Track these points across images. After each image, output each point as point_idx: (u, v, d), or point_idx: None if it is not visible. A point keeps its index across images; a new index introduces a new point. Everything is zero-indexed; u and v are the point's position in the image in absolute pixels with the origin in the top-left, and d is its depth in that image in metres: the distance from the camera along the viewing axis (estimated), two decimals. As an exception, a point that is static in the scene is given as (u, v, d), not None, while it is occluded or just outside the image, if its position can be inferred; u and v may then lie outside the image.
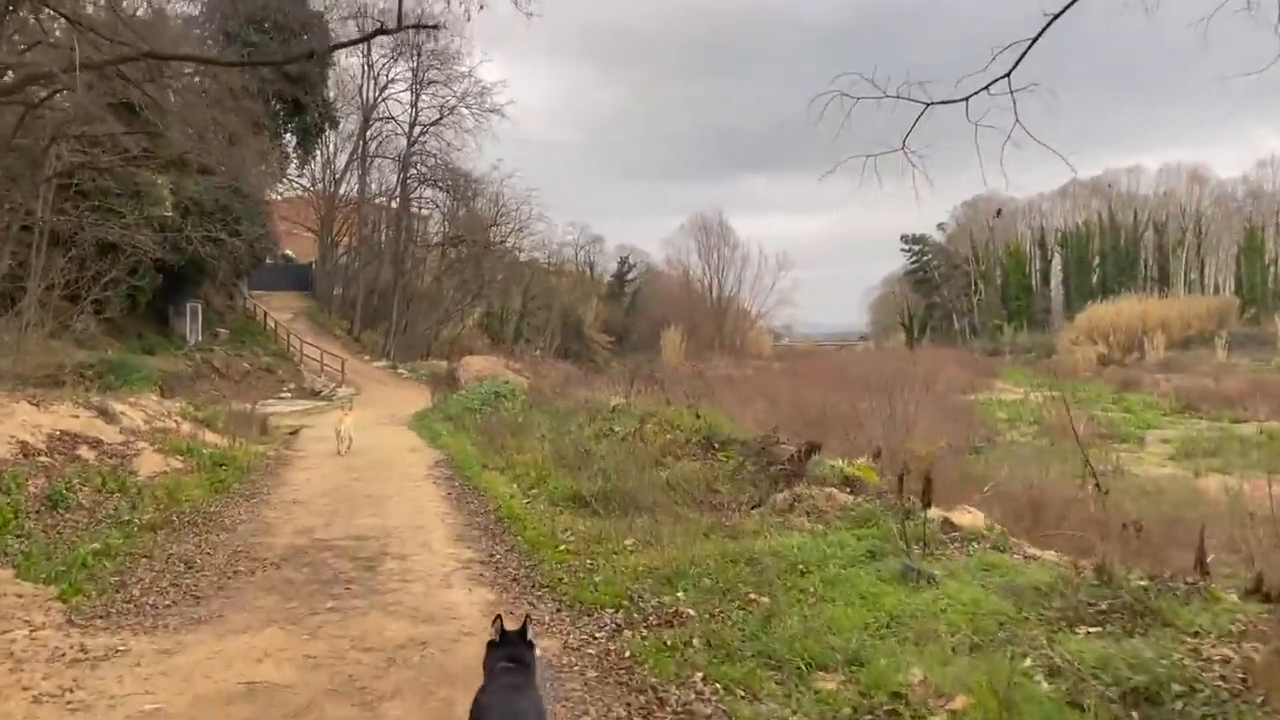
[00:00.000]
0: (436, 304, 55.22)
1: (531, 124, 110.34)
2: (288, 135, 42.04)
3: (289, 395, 36.41)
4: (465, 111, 48.85)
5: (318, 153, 46.66)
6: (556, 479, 14.04)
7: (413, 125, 48.52)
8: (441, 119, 48.32)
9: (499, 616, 4.60)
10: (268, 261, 53.01)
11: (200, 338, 39.12)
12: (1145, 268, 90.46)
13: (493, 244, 53.78)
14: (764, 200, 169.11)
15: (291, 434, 24.07)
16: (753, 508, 11.65)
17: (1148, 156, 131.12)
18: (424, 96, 48.20)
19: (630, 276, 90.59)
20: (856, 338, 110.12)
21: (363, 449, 20.62)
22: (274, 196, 43.79)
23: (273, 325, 44.28)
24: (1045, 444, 34.95)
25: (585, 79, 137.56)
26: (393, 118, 48.89)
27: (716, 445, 16.06)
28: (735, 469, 13.70)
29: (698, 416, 17.16)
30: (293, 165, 43.95)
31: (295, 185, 46.00)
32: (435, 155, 49.03)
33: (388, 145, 50.32)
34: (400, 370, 43.39)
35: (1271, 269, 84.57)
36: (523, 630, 4.52)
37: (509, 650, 4.38)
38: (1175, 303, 78.46)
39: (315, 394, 36.64)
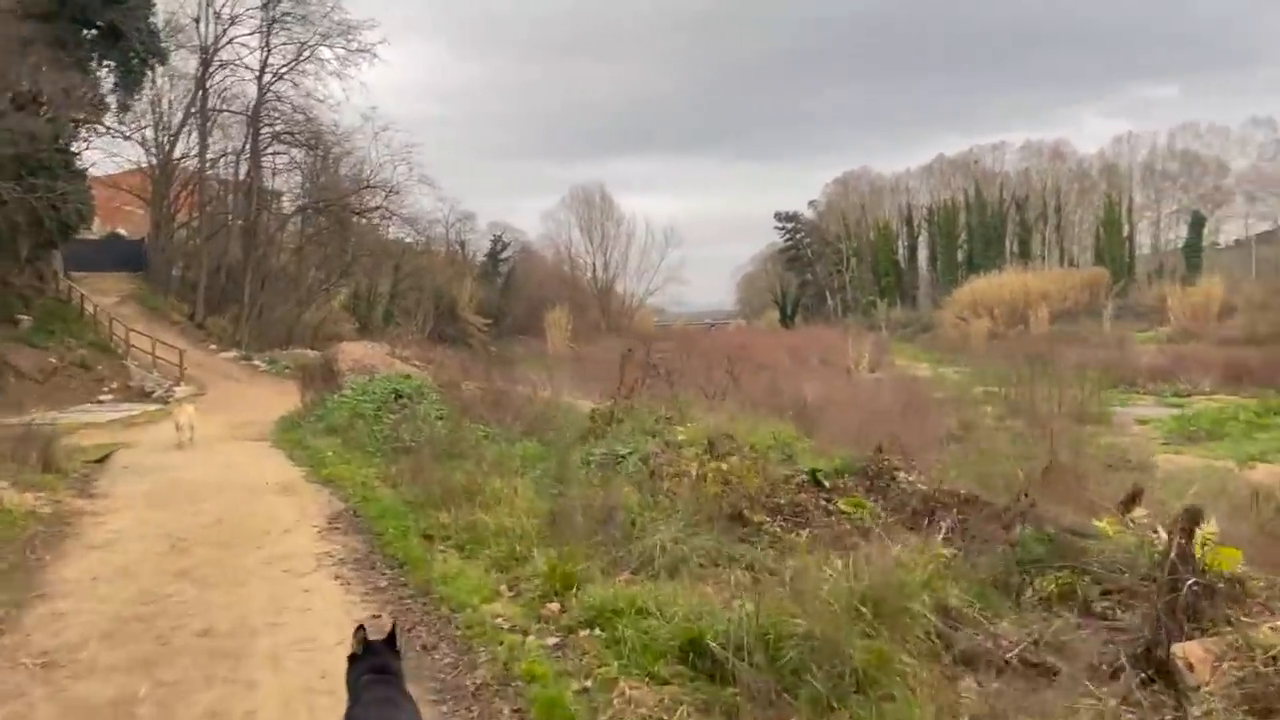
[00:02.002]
0: (297, 284, 46.15)
1: (388, 99, 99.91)
2: (103, 71, 32.63)
3: (111, 397, 27.51)
4: (328, 53, 40.00)
5: (143, 96, 36.96)
6: (602, 584, 6.92)
7: (263, 71, 39.38)
8: (299, 60, 39.30)
9: (361, 626, 3.98)
10: (90, 236, 42.94)
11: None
12: (1009, 243, 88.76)
13: (364, 210, 44.94)
14: (628, 181, 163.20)
15: (98, 461, 15.86)
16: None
17: (1014, 134, 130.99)
18: (277, 36, 39.16)
19: (504, 255, 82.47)
20: (724, 317, 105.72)
21: (203, 488, 12.89)
22: (86, 148, 33.92)
23: (92, 311, 34.70)
24: (1016, 427, 30.08)
25: (442, 54, 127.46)
26: (240, 61, 39.54)
27: (825, 483, 9.28)
28: (945, 556, 6.83)
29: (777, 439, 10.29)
30: (111, 112, 34.31)
31: (115, 134, 36.16)
32: (293, 104, 39.97)
33: (234, 98, 40.95)
34: (256, 362, 34.67)
35: (1130, 243, 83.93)
36: (390, 638, 3.91)
37: (374, 661, 3.79)
38: (1052, 275, 76.32)
39: (146, 395, 27.84)
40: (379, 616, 6.80)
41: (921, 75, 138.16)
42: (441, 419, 16.47)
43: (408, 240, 59.79)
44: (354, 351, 28.15)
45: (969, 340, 64.19)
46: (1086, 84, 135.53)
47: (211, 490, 12.69)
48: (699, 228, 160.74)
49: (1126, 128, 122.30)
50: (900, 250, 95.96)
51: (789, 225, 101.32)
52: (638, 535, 8.07)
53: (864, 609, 5.59)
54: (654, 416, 12.44)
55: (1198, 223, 78.21)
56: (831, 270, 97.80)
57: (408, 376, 21.00)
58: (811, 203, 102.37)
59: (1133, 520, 7.58)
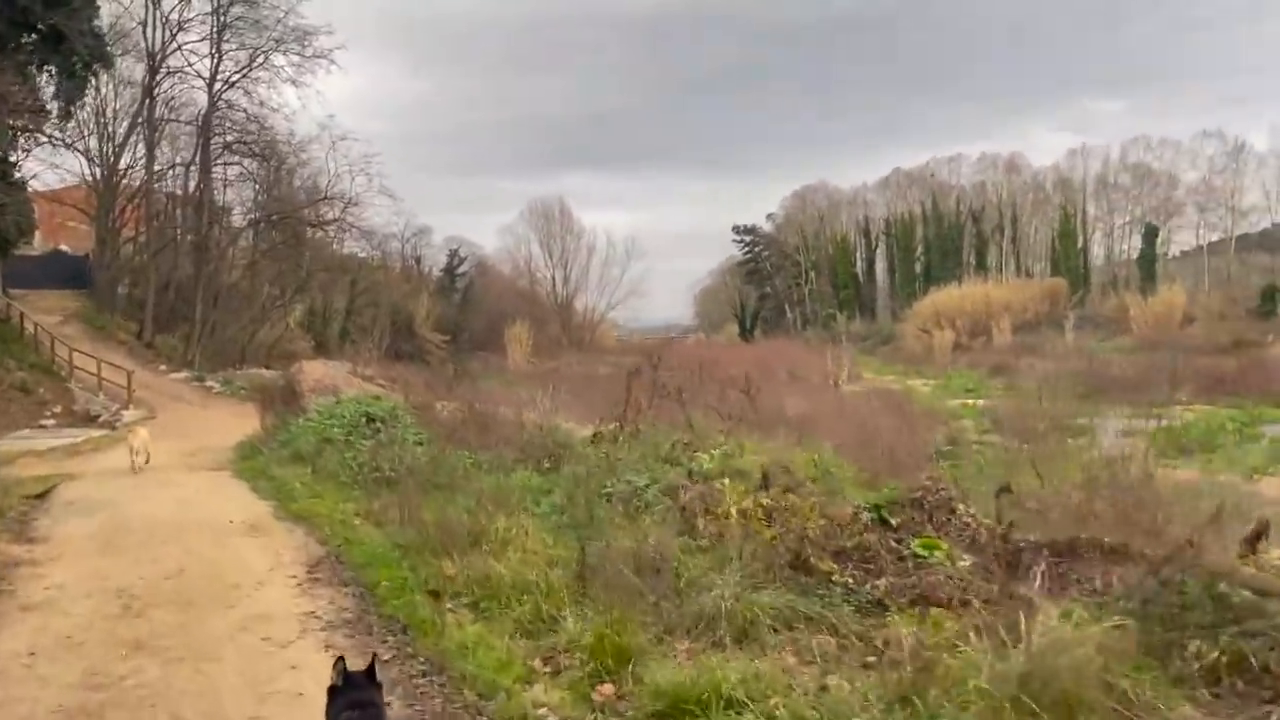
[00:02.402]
0: (250, 301, 44.06)
1: (338, 116, 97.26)
2: (43, 76, 30.50)
3: (53, 422, 25.52)
4: (282, 60, 38.10)
5: (86, 105, 34.75)
6: (661, 658, 5.65)
7: (214, 78, 37.41)
8: (251, 67, 37.35)
9: (340, 658, 3.93)
10: (31, 252, 40.63)
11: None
12: (966, 255, 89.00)
13: (321, 223, 43.00)
14: (581, 195, 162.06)
15: (38, 497, 14.18)
16: None
17: (969, 146, 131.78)
18: (229, 43, 37.24)
19: (461, 271, 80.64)
20: (682, 331, 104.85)
21: (159, 527, 11.37)
22: (25, 158, 31.65)
23: (33, 330, 32.52)
24: (1005, 442, 29.22)
25: (391, 71, 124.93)
26: (190, 68, 37.44)
27: (892, 520, 8.11)
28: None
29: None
30: (52, 120, 32.10)
31: (57, 143, 33.90)
32: (245, 112, 37.94)
33: (183, 106, 38.89)
34: (209, 383, 32.69)
35: (1085, 255, 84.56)
36: (370, 670, 3.81)
37: (355, 695, 3.67)
38: (1013, 287, 76.46)
39: (91, 419, 25.88)
40: (389, 704, 5.45)
41: (871, 89, 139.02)
42: (421, 444, 15.06)
43: (363, 255, 58.02)
44: (314, 371, 26.47)
45: (932, 352, 63.84)
46: (1034, 98, 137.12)
47: (169, 531, 11.15)
48: (654, 241, 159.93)
49: (1075, 141, 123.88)
50: (859, 263, 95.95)
51: (747, 238, 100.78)
52: (685, 588, 6.83)
53: (1025, 699, 4.40)
54: (669, 441, 11.17)
55: (1151, 234, 78.91)
56: (791, 283, 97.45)
57: (378, 398, 19.49)
58: (769, 216, 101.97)
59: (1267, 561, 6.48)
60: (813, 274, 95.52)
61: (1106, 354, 56.01)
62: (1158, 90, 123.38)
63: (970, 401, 40.76)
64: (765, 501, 8.40)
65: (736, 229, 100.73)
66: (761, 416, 19.06)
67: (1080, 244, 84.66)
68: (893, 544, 7.54)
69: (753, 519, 8.35)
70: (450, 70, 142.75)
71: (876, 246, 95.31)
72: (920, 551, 7.43)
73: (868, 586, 6.86)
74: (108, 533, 11.31)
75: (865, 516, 7.75)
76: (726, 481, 8.81)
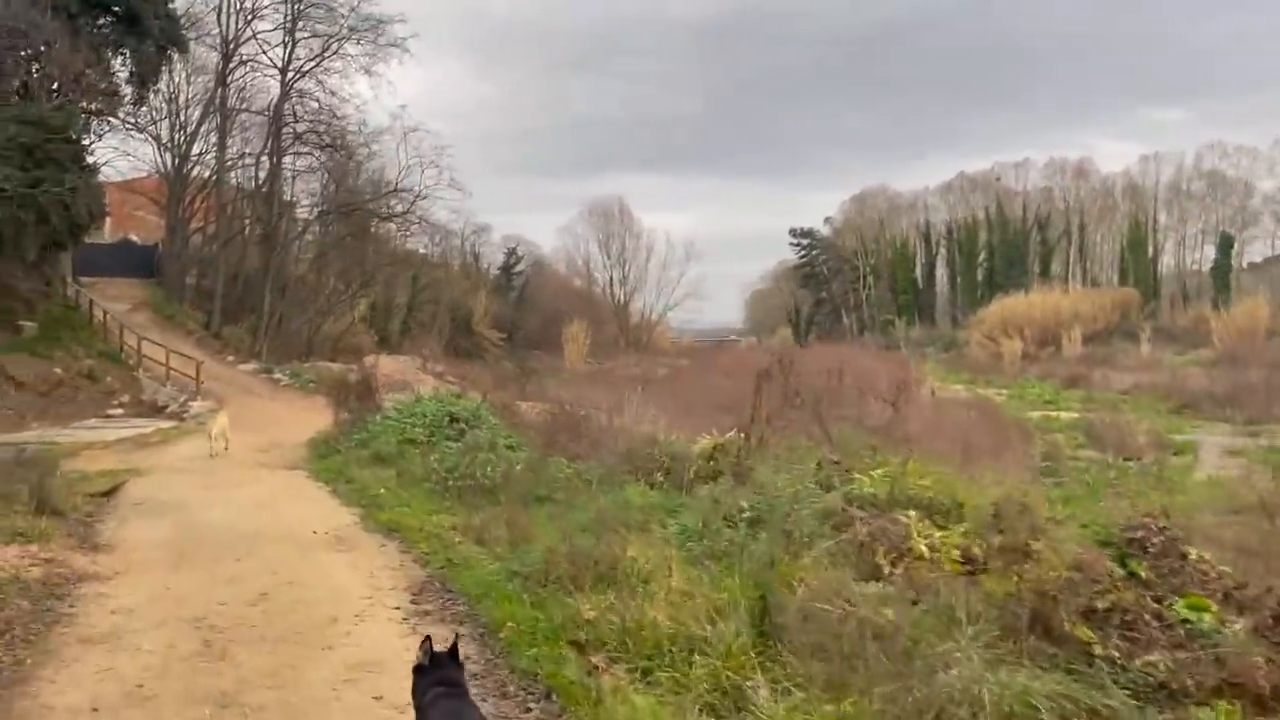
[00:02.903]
0: (316, 294, 43.29)
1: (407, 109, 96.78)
2: (118, 60, 29.84)
3: (120, 412, 24.64)
4: (355, 49, 37.14)
5: (159, 91, 34.09)
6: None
7: (286, 67, 36.61)
8: (324, 56, 36.47)
9: (427, 638, 3.86)
10: (101, 240, 40.15)
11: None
12: (1030, 262, 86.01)
13: (391, 216, 42.01)
14: (636, 198, 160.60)
15: (105, 494, 13.05)
16: None
17: (1029, 153, 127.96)
18: (302, 30, 36.41)
19: (518, 269, 79.64)
20: (734, 335, 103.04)
21: (235, 537, 10.12)
22: (98, 142, 30.87)
23: (102, 318, 31.83)
24: (1104, 458, 27.21)
25: (454, 72, 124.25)
26: (264, 55, 36.62)
27: (1140, 570, 6.50)
28: None
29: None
30: (126, 106, 31.44)
31: (130, 127, 33.23)
32: (318, 101, 37.09)
33: (254, 96, 38.14)
34: (277, 375, 31.72)
35: (1155, 264, 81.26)
36: (453, 651, 3.83)
37: (441, 674, 3.72)
38: (1083, 296, 73.47)
39: (159, 410, 24.98)
40: None
41: (928, 94, 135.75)
42: (513, 449, 13.69)
43: (424, 252, 57.25)
44: (385, 366, 25.43)
45: (1000, 361, 61.34)
46: (1095, 107, 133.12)
47: (247, 541, 9.87)
48: (704, 245, 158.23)
49: (1138, 150, 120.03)
50: (918, 268, 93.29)
51: (804, 242, 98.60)
52: (904, 655, 5.31)
53: None
54: (812, 459, 9.64)
55: (1226, 244, 75.46)
56: (848, 288, 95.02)
57: (459, 396, 18.24)
58: (827, 219, 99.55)
59: None
60: (871, 278, 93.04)
61: (1185, 367, 53.27)
62: (1223, 98, 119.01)
63: (1053, 413, 38.50)
64: (967, 542, 6.84)
65: (793, 232, 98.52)
66: (867, 428, 17.49)
67: (1150, 253, 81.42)
68: (1152, 603, 5.93)
69: (947, 561, 6.84)
70: (510, 72, 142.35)
71: (937, 252, 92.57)
72: (1187, 614, 5.83)
73: (1139, 663, 5.28)
74: (179, 541, 10.07)
75: (1107, 565, 6.15)
76: (913, 514, 7.26)
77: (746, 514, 8.47)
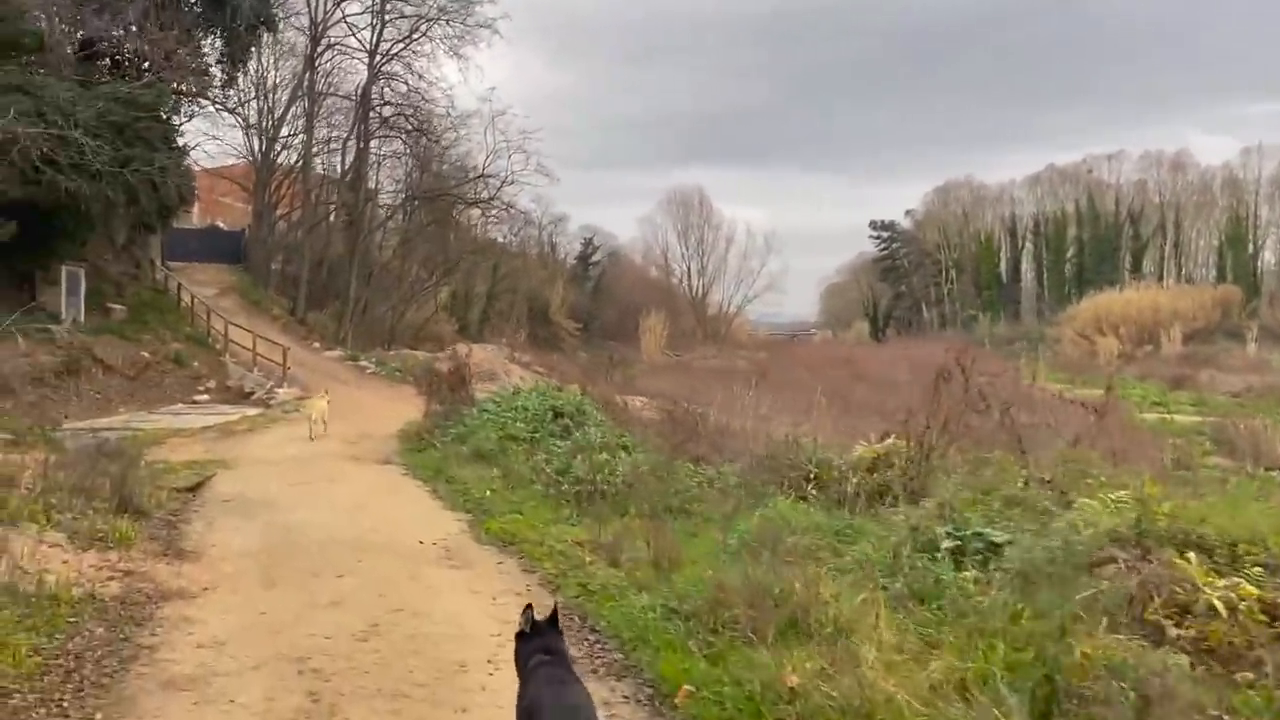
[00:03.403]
0: (400, 282, 42.53)
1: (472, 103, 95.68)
2: (209, 40, 29.17)
3: (206, 398, 23.89)
4: (443, 31, 36.05)
5: (248, 72, 33.48)
6: None
7: (374, 49, 35.72)
8: (413, 38, 35.47)
9: (529, 606, 3.98)
10: (189, 225, 39.89)
11: (83, 316, 26.25)
12: (1121, 258, 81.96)
13: (477, 202, 40.95)
14: (712, 190, 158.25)
15: (190, 490, 11.94)
16: None
17: (1126, 144, 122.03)
18: (390, 12, 35.37)
19: (594, 259, 78.50)
20: (810, 328, 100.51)
21: (332, 546, 8.88)
22: (187, 121, 30.24)
23: (189, 302, 31.33)
24: (1243, 465, 24.83)
25: (530, 63, 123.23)
26: (351, 37, 35.79)
27: None
28: None
29: None
30: (214, 86, 30.79)
31: (220, 108, 32.63)
32: (406, 84, 36.12)
33: (341, 80, 37.36)
34: (363, 363, 30.87)
35: (1255, 260, 76.72)
36: (553, 618, 3.96)
37: (543, 642, 3.83)
38: (1182, 293, 69.52)
39: (245, 396, 24.19)
40: None
41: (1007, 87, 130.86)
42: (627, 449, 12.25)
43: (501, 240, 56.36)
44: (474, 355, 24.29)
45: (1094, 359, 58.17)
46: (1185, 100, 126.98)
47: (347, 553, 8.59)
48: (779, 238, 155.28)
49: (1230, 145, 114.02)
50: (1003, 263, 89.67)
51: (884, 235, 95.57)
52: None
53: None
54: (1009, 476, 7.98)
55: (1334, 240, 70.85)
56: (929, 282, 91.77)
57: (559, 388, 16.87)
58: (909, 212, 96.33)
59: None
60: (953, 273, 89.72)
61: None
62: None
63: (1167, 416, 35.81)
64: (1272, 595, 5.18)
65: (874, 224, 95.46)
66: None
67: (1250, 249, 76.90)
68: None
69: (1251, 620, 5.19)
70: (586, 64, 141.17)
71: (1023, 246, 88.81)
72: None
73: None
74: (271, 549, 8.84)
75: None
76: (1192, 557, 5.60)
77: (945, 543, 6.88)
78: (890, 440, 9.83)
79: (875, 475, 9.19)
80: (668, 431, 13.13)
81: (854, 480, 9.05)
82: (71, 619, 6.41)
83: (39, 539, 7.98)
